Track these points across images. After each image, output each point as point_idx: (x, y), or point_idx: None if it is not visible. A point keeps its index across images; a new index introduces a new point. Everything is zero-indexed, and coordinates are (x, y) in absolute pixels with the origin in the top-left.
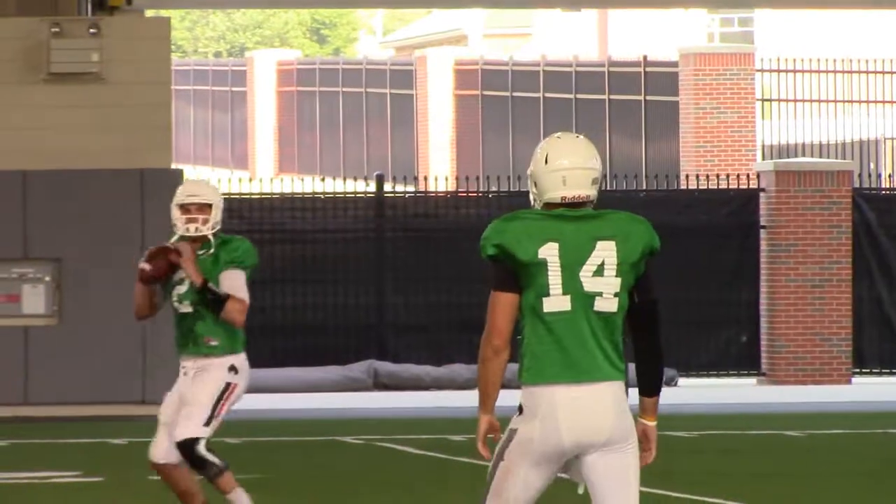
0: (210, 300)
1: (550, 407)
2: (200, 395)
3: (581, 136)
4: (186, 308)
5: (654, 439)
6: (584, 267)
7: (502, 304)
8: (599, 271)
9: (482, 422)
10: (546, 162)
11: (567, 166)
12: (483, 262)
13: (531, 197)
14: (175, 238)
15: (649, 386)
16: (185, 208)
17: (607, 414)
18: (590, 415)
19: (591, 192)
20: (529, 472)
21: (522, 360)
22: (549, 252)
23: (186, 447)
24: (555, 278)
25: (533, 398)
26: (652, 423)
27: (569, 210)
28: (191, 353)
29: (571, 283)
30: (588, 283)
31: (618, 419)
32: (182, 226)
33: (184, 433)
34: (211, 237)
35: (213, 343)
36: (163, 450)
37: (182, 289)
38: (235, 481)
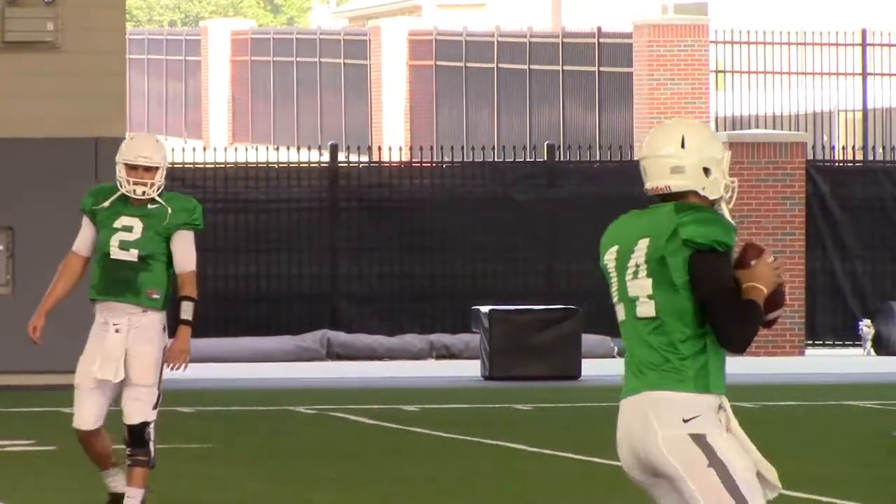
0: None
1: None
2: (147, 374)
3: (681, 121)
4: (130, 256)
5: None
6: (628, 269)
7: None
8: (635, 273)
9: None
10: (641, 151)
11: (645, 154)
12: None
13: None
14: (117, 195)
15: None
16: (133, 168)
17: (646, 430)
18: (628, 432)
19: (672, 182)
20: (635, 480)
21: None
22: (610, 256)
23: (138, 430)
24: (614, 284)
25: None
26: None
27: (652, 205)
28: (127, 301)
29: (622, 289)
30: (630, 286)
31: (653, 437)
32: (129, 187)
33: (137, 416)
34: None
35: (156, 296)
36: (93, 417)
37: (130, 236)
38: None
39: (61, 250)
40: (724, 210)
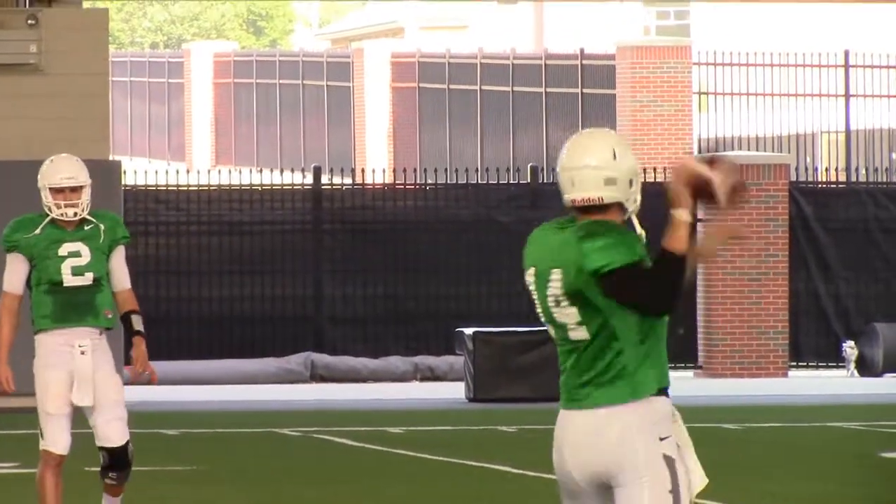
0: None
1: (556, 432)
2: (113, 391)
3: (604, 131)
4: (86, 280)
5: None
6: (548, 297)
7: None
8: (556, 303)
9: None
10: (560, 161)
11: (572, 165)
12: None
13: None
14: (47, 221)
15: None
16: (59, 191)
17: (598, 442)
18: (575, 445)
19: (605, 193)
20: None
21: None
22: (530, 278)
23: (123, 451)
24: (538, 306)
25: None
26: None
27: (563, 220)
28: (89, 325)
29: (548, 313)
30: (556, 312)
31: (608, 448)
32: (60, 210)
33: (122, 437)
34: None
35: (110, 315)
36: (68, 442)
37: (81, 260)
38: None
39: None
40: (636, 222)
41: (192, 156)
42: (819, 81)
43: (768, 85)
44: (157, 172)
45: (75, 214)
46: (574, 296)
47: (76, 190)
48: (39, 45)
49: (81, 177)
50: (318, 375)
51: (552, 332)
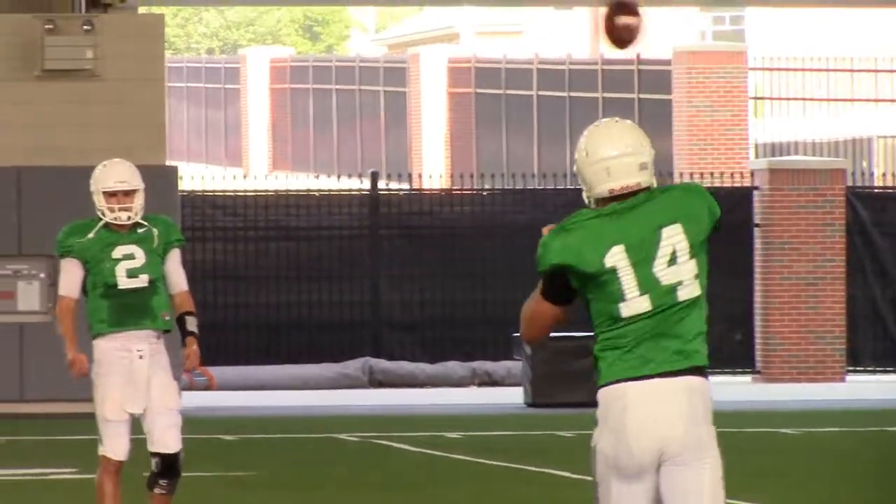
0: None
1: (620, 409)
2: (170, 397)
3: (623, 121)
4: (141, 283)
5: None
6: (657, 260)
7: (547, 313)
8: (673, 260)
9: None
10: (587, 155)
11: (608, 155)
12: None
13: (583, 195)
14: (100, 225)
15: None
16: (113, 195)
17: (681, 412)
18: (661, 413)
19: (642, 179)
20: (626, 486)
21: (598, 368)
22: (616, 257)
23: (175, 459)
24: (629, 282)
25: (605, 401)
26: None
27: (621, 203)
28: (146, 328)
29: (648, 282)
30: (665, 274)
31: (693, 422)
32: (113, 214)
33: (176, 444)
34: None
35: (167, 318)
36: (127, 448)
37: (136, 263)
38: None
39: None
40: None
41: (248, 161)
42: (874, 86)
43: (824, 90)
44: (213, 178)
45: (128, 218)
46: (700, 246)
47: (129, 194)
48: (96, 51)
49: (135, 181)
50: (375, 381)
51: (646, 304)
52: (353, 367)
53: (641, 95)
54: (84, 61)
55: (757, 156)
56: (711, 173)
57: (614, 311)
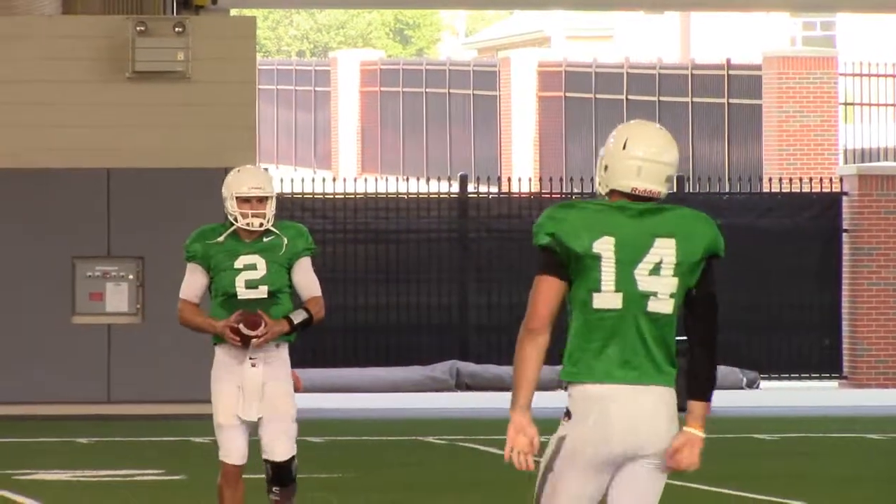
0: (304, 327)
1: (603, 408)
2: (290, 407)
3: (663, 129)
4: (260, 293)
5: (697, 450)
6: (640, 265)
7: (545, 289)
8: (656, 270)
9: (511, 425)
10: (624, 147)
11: (645, 156)
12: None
13: (597, 180)
14: (230, 231)
15: (699, 388)
16: (246, 200)
17: (659, 420)
18: (642, 419)
19: (663, 190)
20: (582, 482)
21: (567, 358)
22: (605, 246)
23: (287, 466)
24: (608, 274)
25: (582, 398)
26: (698, 434)
27: (632, 203)
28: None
29: (625, 281)
30: (643, 281)
31: (668, 429)
32: (246, 220)
33: (286, 452)
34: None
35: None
36: (242, 451)
37: (256, 274)
38: None
39: None
40: None
41: (338, 164)
42: None
43: None
44: (303, 180)
45: (261, 225)
46: (687, 266)
47: (262, 200)
48: (187, 53)
49: (268, 188)
50: (463, 384)
51: (617, 301)
52: (440, 370)
53: (731, 100)
54: (175, 63)
55: (846, 161)
56: (801, 178)
57: (588, 299)
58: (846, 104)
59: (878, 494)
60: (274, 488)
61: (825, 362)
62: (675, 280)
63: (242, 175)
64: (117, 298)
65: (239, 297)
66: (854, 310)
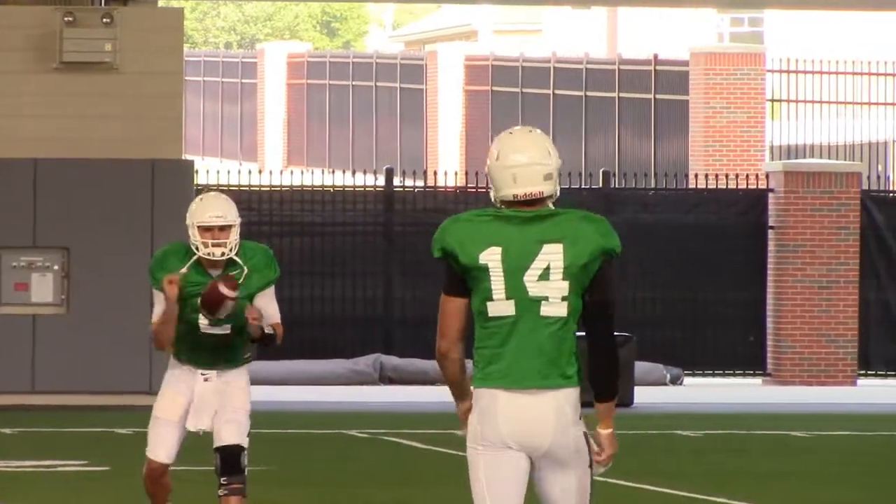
0: (266, 342)
1: (491, 407)
2: (242, 402)
3: (535, 131)
4: (224, 330)
5: (608, 447)
6: (529, 271)
7: (449, 311)
8: (545, 275)
9: (459, 409)
10: (497, 158)
11: (516, 163)
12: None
13: (491, 194)
14: (193, 260)
15: (599, 390)
16: (208, 229)
17: (547, 423)
18: (528, 422)
19: (545, 188)
20: (488, 458)
21: (474, 365)
22: (491, 257)
23: (236, 453)
24: (497, 283)
25: (478, 400)
26: (606, 431)
27: (520, 211)
28: (224, 368)
29: (515, 288)
30: (533, 287)
31: (559, 431)
32: (207, 249)
33: (234, 437)
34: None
35: (248, 354)
36: (169, 450)
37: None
38: None
39: (116, 271)
40: None
41: (264, 156)
42: (892, 89)
43: (841, 93)
44: (228, 172)
45: (223, 254)
46: (577, 269)
47: (225, 229)
48: (114, 44)
49: (230, 216)
50: (386, 377)
51: (510, 309)
52: (363, 363)
53: (658, 96)
54: (103, 54)
55: (772, 158)
56: (727, 175)
57: (483, 308)
58: (773, 101)
59: (800, 491)
60: (222, 479)
61: (749, 359)
62: (566, 283)
63: (205, 203)
64: (42, 289)
65: (202, 331)
66: (779, 307)
